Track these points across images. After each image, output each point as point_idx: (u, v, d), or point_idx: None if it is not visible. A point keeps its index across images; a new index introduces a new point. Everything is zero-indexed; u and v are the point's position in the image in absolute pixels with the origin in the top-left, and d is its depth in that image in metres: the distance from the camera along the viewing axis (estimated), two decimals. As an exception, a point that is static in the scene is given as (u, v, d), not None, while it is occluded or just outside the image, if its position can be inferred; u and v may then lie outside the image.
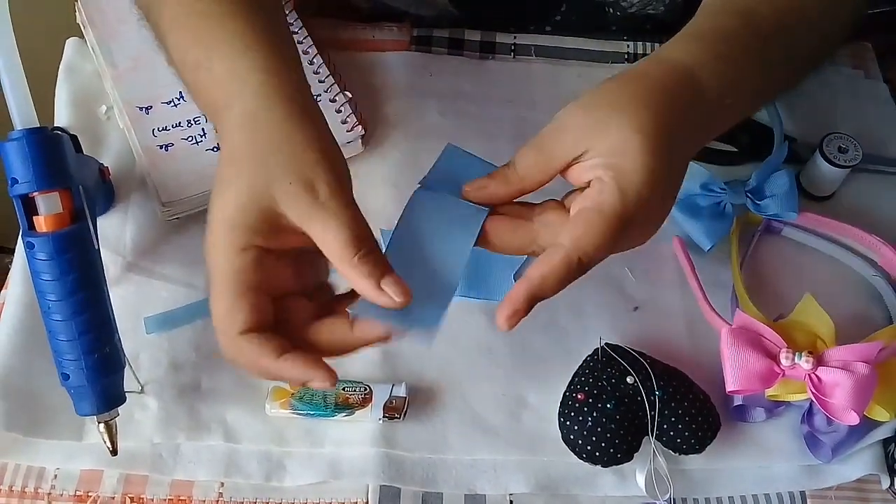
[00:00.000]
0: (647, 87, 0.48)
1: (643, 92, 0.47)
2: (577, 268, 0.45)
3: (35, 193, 0.50)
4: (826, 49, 0.60)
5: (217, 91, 0.47)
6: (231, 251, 0.43)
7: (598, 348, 0.60)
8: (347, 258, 0.43)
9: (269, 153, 0.44)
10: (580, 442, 0.56)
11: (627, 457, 0.56)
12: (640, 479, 0.57)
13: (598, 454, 0.56)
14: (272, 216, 0.44)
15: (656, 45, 0.77)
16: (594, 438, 0.56)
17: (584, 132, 0.46)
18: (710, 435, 0.57)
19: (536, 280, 0.45)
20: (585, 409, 0.57)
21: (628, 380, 0.57)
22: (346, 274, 0.44)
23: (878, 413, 0.56)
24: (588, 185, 0.46)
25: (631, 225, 0.45)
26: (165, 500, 0.55)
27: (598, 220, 0.45)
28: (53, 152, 0.51)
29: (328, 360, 0.44)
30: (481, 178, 0.48)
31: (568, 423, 0.57)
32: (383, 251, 0.46)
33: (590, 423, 0.56)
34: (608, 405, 0.56)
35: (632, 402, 0.57)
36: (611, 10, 0.79)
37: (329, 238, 0.43)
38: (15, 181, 0.50)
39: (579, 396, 0.57)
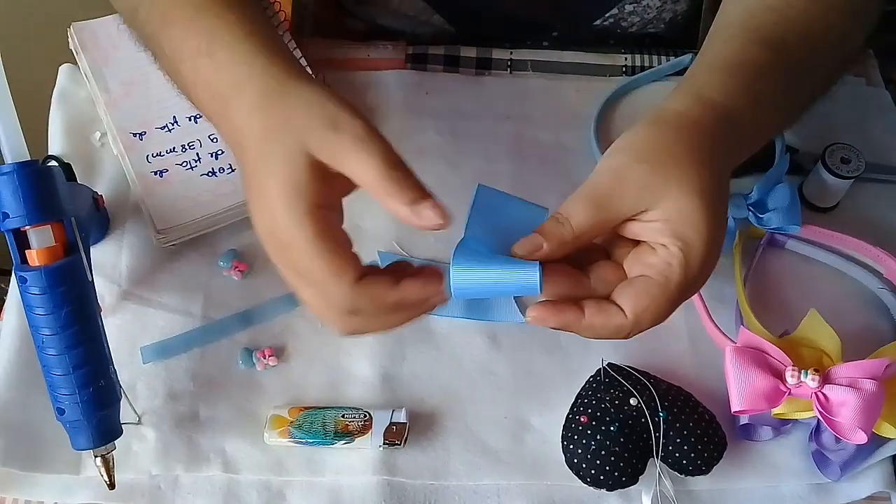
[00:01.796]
0: (701, 140, 0.47)
1: (697, 145, 0.46)
2: (623, 337, 0.45)
3: (27, 227, 0.50)
4: (847, 68, 0.59)
5: (223, 76, 0.48)
6: (304, 218, 0.42)
7: (600, 369, 0.59)
8: (384, 187, 0.43)
9: (292, 117, 0.44)
10: (584, 465, 0.55)
11: (633, 480, 0.55)
12: (647, 502, 0.56)
13: (602, 478, 0.55)
14: (318, 166, 0.43)
15: (654, 57, 0.76)
16: (598, 462, 0.55)
17: (646, 190, 0.45)
18: (716, 455, 0.56)
19: (585, 325, 0.45)
20: (589, 431, 0.56)
21: (632, 401, 0.56)
22: (385, 202, 0.43)
23: (887, 430, 0.55)
24: (642, 243, 0.46)
25: (687, 292, 0.45)
26: (165, 532, 0.55)
27: (663, 296, 0.44)
28: (45, 185, 0.51)
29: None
30: (533, 237, 0.45)
31: (571, 446, 0.56)
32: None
33: (593, 447, 0.55)
34: (612, 427, 0.55)
35: (636, 423, 0.56)
36: (610, 29, 0.78)
37: (364, 170, 0.43)
38: (6, 215, 0.50)
39: (582, 419, 0.56)
